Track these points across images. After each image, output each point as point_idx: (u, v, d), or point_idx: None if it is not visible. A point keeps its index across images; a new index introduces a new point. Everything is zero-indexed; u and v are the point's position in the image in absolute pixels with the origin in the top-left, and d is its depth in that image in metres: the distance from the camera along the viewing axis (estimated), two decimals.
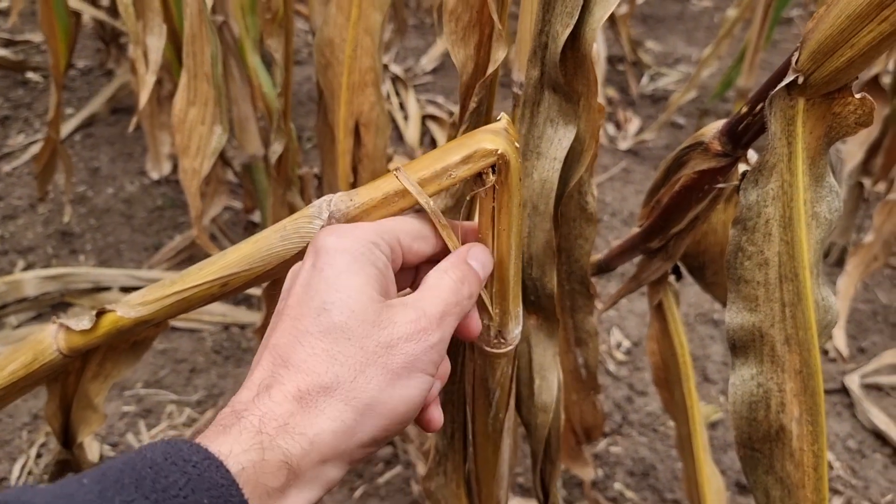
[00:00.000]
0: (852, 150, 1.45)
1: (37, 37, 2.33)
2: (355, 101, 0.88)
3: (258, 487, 0.33)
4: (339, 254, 0.40)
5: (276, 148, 0.94)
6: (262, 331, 1.08)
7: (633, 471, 1.18)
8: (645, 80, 2.28)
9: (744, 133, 0.57)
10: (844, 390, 1.30)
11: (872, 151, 1.43)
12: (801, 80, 0.48)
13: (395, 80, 2.20)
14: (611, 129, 2.06)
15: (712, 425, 1.24)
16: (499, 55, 0.61)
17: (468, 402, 0.63)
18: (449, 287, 0.42)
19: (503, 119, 0.44)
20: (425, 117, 2.03)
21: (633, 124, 2.08)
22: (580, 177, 0.65)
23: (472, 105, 0.65)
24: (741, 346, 0.54)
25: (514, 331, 0.52)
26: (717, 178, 0.62)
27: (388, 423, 0.38)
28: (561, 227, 0.70)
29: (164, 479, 0.31)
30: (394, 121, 2.09)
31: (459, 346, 0.60)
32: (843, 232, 1.58)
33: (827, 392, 1.31)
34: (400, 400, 0.38)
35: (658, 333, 0.81)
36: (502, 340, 0.52)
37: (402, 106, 2.11)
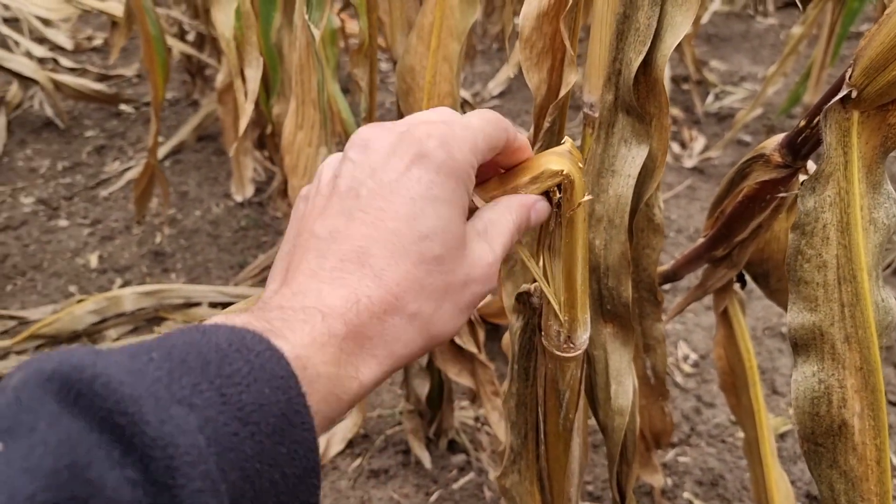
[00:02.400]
0: None
1: (128, 71, 2.50)
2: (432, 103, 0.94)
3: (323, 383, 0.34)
4: (448, 178, 0.38)
5: None
6: None
7: (702, 480, 1.19)
8: (710, 98, 2.30)
9: (803, 145, 0.61)
10: None
11: None
12: (854, 94, 0.52)
13: (464, 103, 2.27)
14: (676, 147, 2.08)
15: (781, 436, 1.25)
16: (570, 79, 0.67)
17: (540, 404, 0.67)
18: (511, 231, 0.42)
19: (567, 142, 0.48)
20: None
21: (699, 142, 2.09)
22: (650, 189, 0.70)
23: (546, 125, 0.70)
24: (802, 344, 0.58)
25: (583, 336, 0.56)
26: (779, 188, 0.66)
27: (434, 346, 0.39)
28: (630, 238, 0.75)
29: (228, 366, 0.30)
30: None
31: (533, 351, 0.65)
32: None
33: None
34: (453, 331, 0.39)
35: (724, 339, 0.85)
36: (571, 345, 0.56)
37: None
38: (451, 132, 0.39)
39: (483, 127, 0.41)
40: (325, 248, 0.38)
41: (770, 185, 0.66)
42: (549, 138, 0.72)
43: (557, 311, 0.54)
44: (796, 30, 1.75)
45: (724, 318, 0.84)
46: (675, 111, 2.21)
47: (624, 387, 0.69)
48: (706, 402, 1.32)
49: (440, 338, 0.39)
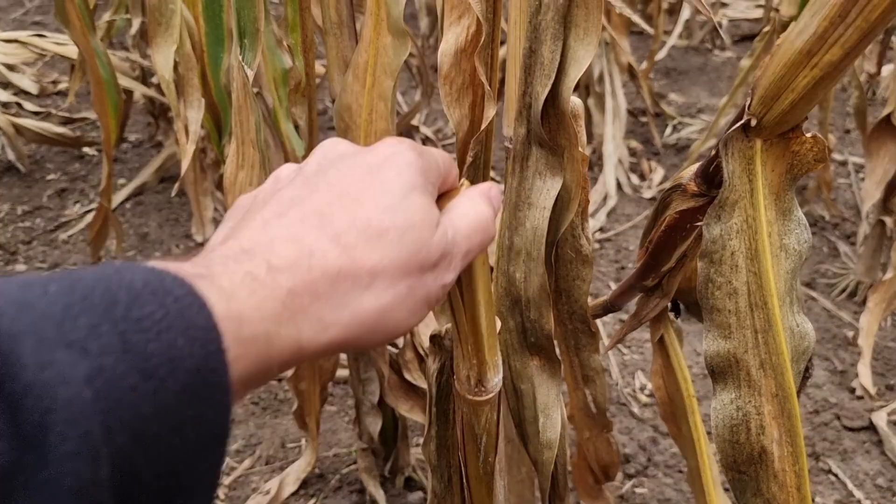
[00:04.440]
0: (870, 189, 1.47)
1: (92, 114, 2.49)
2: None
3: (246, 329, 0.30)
4: (419, 174, 0.37)
5: None
6: (294, 380, 1.14)
7: None
8: (668, 130, 2.34)
9: (715, 173, 0.62)
10: (873, 427, 1.29)
11: (890, 189, 1.45)
12: (753, 122, 0.53)
13: (426, 140, 2.29)
14: (635, 178, 2.10)
15: None
16: (489, 113, 0.68)
17: (459, 448, 0.66)
18: (483, 219, 0.41)
19: (464, 185, 0.47)
20: None
21: (658, 174, 2.12)
22: (572, 222, 0.71)
23: (469, 159, 0.71)
24: (719, 371, 0.58)
25: (494, 379, 0.56)
26: (697, 217, 0.66)
27: (386, 338, 0.37)
28: (559, 270, 0.75)
29: (138, 309, 0.26)
30: None
31: (450, 393, 0.64)
32: (867, 271, 1.59)
33: (854, 429, 1.30)
34: (408, 323, 0.37)
35: (662, 369, 0.85)
36: (482, 388, 0.56)
37: None
38: (417, 146, 0.40)
39: (439, 154, 0.42)
40: (284, 207, 0.35)
41: (689, 214, 0.67)
42: (473, 172, 0.73)
43: (466, 356, 0.54)
44: (745, 62, 1.79)
45: (661, 347, 0.84)
46: (634, 143, 2.24)
47: (552, 420, 0.68)
48: (663, 433, 1.32)
49: (394, 327, 0.36)
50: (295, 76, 0.90)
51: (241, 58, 0.86)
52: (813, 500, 1.18)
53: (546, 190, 0.61)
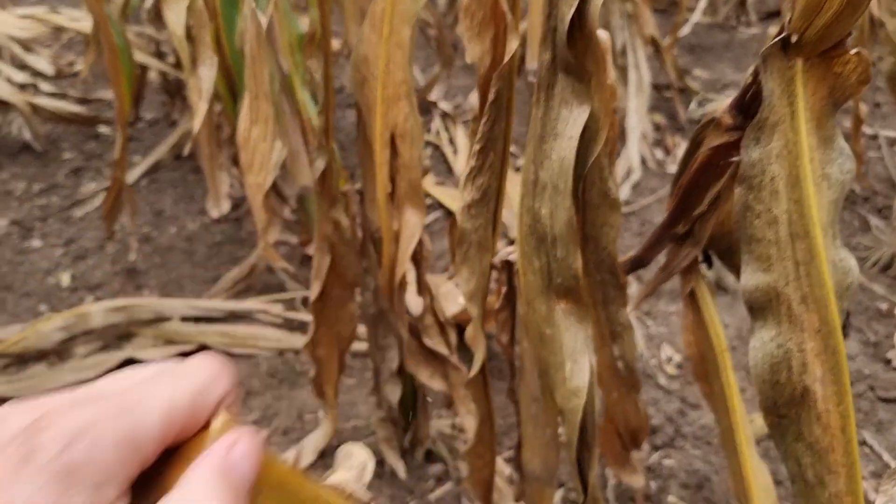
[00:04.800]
0: None
1: (108, 94, 2.49)
2: (390, 114, 0.92)
3: None
4: (60, 484, 0.27)
5: (319, 165, 0.99)
6: (312, 343, 1.11)
7: (687, 483, 1.15)
8: (693, 105, 2.29)
9: (752, 102, 0.58)
10: None
11: None
12: (794, 38, 0.50)
13: (445, 116, 2.26)
14: (659, 153, 2.06)
15: (764, 437, 1.20)
16: (513, 45, 0.64)
17: None
18: None
19: (218, 424, 0.32)
20: None
21: (682, 148, 2.07)
22: (599, 162, 0.68)
23: (492, 97, 0.68)
24: (758, 307, 0.54)
25: None
26: (732, 153, 0.63)
27: None
28: (586, 215, 0.72)
29: None
30: (443, 154, 2.14)
31: None
32: None
33: (889, 401, 1.26)
34: None
35: (692, 325, 0.81)
36: None
37: (451, 141, 2.16)
38: (95, 418, 0.28)
39: (170, 397, 0.31)
40: None
41: (723, 150, 0.63)
42: (495, 112, 0.70)
43: None
44: (773, 30, 1.74)
45: (692, 300, 0.81)
46: (659, 118, 2.20)
47: (580, 365, 0.65)
48: (691, 404, 1.28)
49: None
50: (311, 28, 0.87)
51: (254, 4, 0.83)
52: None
53: (573, 119, 0.58)
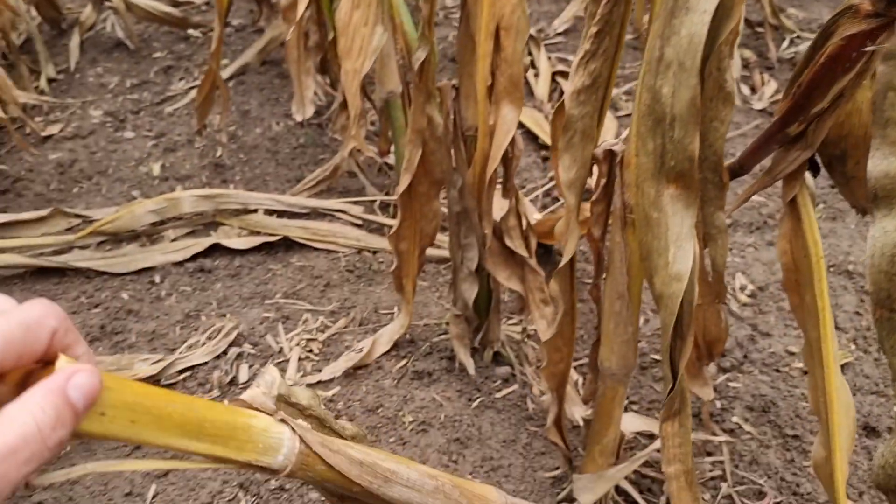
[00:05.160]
0: None
1: None
2: (497, 4, 0.92)
3: None
4: None
5: (420, 54, 1.00)
6: (395, 236, 1.14)
7: (753, 406, 1.16)
8: (785, 44, 2.21)
9: None
10: None
11: None
12: None
13: (528, 39, 2.23)
14: (746, 90, 2.00)
15: (841, 368, 1.20)
16: None
17: None
18: (33, 435, 0.34)
19: (59, 361, 0.39)
20: (555, 74, 2.06)
21: (770, 87, 2.01)
22: (719, 51, 0.67)
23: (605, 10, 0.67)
24: (884, 195, 0.54)
25: None
26: (866, 43, 0.61)
27: None
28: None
29: None
30: (525, 77, 2.12)
31: None
32: None
33: None
34: None
35: (790, 232, 0.81)
36: None
37: (533, 64, 2.14)
38: None
39: (3, 330, 0.35)
40: None
41: (858, 41, 0.62)
42: (608, 26, 0.69)
43: None
44: None
45: (793, 207, 0.80)
46: (748, 54, 2.13)
47: (684, 251, 0.66)
48: (762, 332, 1.28)
49: None
50: None
51: None
52: None
53: None
